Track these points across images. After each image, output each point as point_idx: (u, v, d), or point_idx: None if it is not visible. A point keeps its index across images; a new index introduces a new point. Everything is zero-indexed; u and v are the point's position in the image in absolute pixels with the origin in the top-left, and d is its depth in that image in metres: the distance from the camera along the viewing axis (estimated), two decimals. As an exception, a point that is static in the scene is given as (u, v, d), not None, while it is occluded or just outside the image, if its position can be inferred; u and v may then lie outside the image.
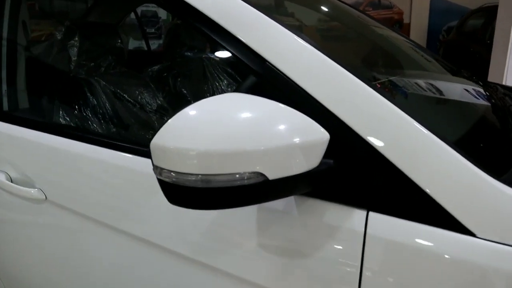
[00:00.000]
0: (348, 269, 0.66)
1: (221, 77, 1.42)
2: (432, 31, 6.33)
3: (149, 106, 1.42)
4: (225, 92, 0.83)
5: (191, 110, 0.60)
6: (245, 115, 0.59)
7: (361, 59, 1.24)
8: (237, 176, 0.57)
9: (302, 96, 0.69)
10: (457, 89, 1.21)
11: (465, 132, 0.85)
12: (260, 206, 0.73)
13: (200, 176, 0.56)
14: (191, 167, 0.56)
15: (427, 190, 0.61)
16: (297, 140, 0.59)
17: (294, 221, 0.71)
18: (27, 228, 1.17)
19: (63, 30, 1.52)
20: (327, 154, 0.64)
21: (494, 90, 1.35)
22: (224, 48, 0.78)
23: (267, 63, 0.73)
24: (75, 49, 1.46)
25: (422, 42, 6.16)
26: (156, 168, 0.60)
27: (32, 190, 1.06)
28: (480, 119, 1.00)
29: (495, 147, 0.88)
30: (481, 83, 1.32)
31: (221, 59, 1.42)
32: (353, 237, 0.65)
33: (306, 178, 0.62)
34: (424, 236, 0.61)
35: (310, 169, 0.62)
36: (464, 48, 5.63)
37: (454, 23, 6.01)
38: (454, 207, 0.60)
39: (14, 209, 1.17)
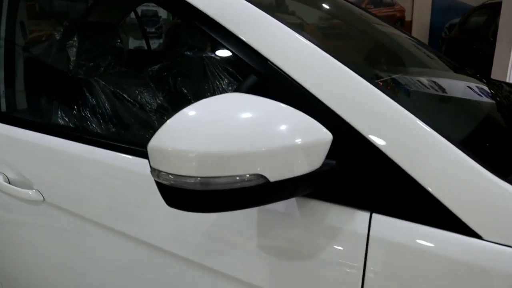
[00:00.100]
0: (351, 272, 0.65)
1: (222, 76, 1.41)
2: (434, 29, 6.32)
3: (149, 106, 1.41)
4: (225, 92, 0.82)
5: (190, 111, 0.59)
6: (246, 115, 0.58)
7: (364, 57, 1.23)
8: (237, 178, 0.56)
9: (304, 96, 0.68)
10: (461, 87, 1.20)
11: (470, 131, 0.84)
12: (261, 208, 0.72)
13: (199, 178, 0.55)
14: (190, 169, 0.55)
15: (430, 189, 0.60)
16: (299, 140, 0.58)
17: (295, 223, 0.70)
18: (25, 230, 1.17)
19: (62, 30, 1.51)
20: (330, 154, 0.63)
21: (499, 88, 1.34)
22: (225, 47, 0.77)
23: (268, 62, 0.72)
24: (74, 49, 1.45)
25: (424, 39, 6.14)
26: (153, 170, 0.59)
27: (30, 192, 1.06)
28: (484, 117, 0.99)
29: (501, 146, 0.87)
30: (484, 81, 1.30)
31: (222, 58, 1.41)
32: (356, 239, 0.64)
33: (308, 179, 0.61)
34: (428, 238, 0.60)
35: (312, 171, 0.61)
36: (466, 45, 5.61)
37: (456, 20, 6.00)
38: (458, 208, 0.59)
39: (12, 210, 1.17)
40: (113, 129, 1.32)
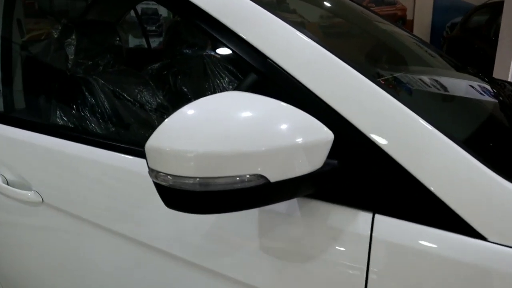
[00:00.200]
0: (354, 273, 0.64)
1: (222, 74, 1.41)
2: (436, 28, 6.32)
3: (149, 105, 1.41)
4: (226, 90, 0.81)
5: (189, 110, 0.58)
6: (245, 114, 0.57)
7: (365, 55, 1.22)
8: (237, 178, 0.55)
9: (305, 94, 0.67)
10: (463, 86, 1.19)
11: (472, 130, 0.83)
12: (261, 209, 0.71)
13: (198, 179, 0.54)
14: (189, 170, 0.54)
15: (432, 189, 0.60)
16: (300, 140, 0.57)
17: (297, 224, 0.69)
18: (24, 231, 1.17)
19: (60, 28, 1.50)
20: (331, 154, 0.62)
21: (501, 87, 1.33)
22: (225, 46, 0.77)
23: (269, 60, 0.71)
24: (73, 48, 1.44)
25: (426, 38, 6.13)
26: (152, 171, 0.58)
27: (29, 193, 1.05)
28: (487, 116, 0.99)
29: (504, 145, 0.86)
30: (486, 80, 1.29)
31: (222, 56, 1.40)
32: (359, 240, 0.63)
33: (310, 179, 0.60)
34: (432, 239, 0.59)
35: (313, 170, 0.60)
36: (468, 44, 5.60)
37: (458, 19, 6.00)
38: (462, 208, 0.58)
39: (10, 212, 1.16)
40: (113, 129, 1.31)
